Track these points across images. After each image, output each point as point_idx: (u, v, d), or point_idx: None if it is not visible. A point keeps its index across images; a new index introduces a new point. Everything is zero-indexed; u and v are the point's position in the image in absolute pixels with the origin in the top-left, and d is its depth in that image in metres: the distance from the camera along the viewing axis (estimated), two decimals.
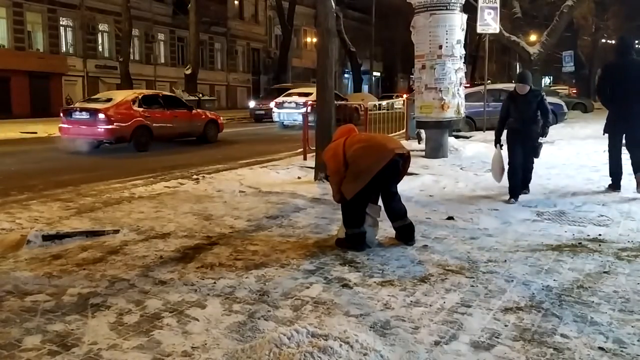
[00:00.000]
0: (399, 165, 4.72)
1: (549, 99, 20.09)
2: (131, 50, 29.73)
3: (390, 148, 4.64)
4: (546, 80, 52.91)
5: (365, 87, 45.41)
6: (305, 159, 9.77)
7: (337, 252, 4.54)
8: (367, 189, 4.59)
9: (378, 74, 53.18)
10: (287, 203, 6.39)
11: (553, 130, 15.77)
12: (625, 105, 6.67)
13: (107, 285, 3.76)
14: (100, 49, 31.19)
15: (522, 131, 6.53)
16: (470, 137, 13.66)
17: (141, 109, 13.33)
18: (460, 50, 9.67)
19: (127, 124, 12.85)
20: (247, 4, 41.57)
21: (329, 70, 7.33)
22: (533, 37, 26.18)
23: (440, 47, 9.50)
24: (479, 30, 14.81)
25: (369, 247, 4.63)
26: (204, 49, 37.03)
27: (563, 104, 18.36)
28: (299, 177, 8.12)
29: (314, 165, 7.99)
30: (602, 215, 5.73)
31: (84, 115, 12.99)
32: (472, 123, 15.93)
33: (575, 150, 10.56)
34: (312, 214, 5.90)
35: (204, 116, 15.52)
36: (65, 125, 13.35)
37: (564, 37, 27.92)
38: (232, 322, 3.19)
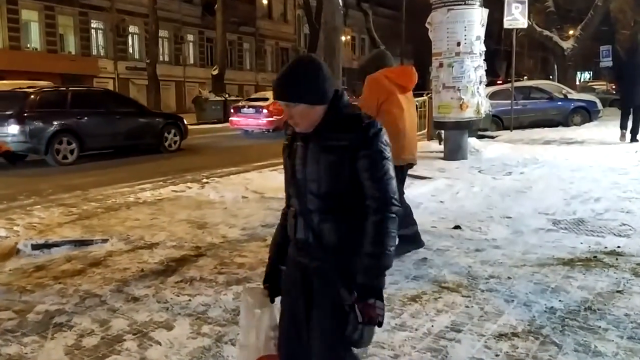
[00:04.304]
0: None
1: (583, 96, 18.99)
2: (160, 52, 30.01)
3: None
4: (585, 76, 51.23)
5: None
6: None
7: None
8: None
9: None
10: None
11: (583, 129, 15.07)
12: (633, 88, 11.02)
13: (76, 302, 3.58)
14: (131, 51, 31.61)
15: (305, 256, 1.85)
16: (496, 137, 13.12)
17: None
18: (480, 47, 9.19)
19: (280, 117, 15.53)
20: (275, 4, 41.51)
21: (336, 69, 7.05)
22: (569, 32, 25.20)
23: (459, 44, 9.04)
24: (506, 25, 14.22)
25: None
26: (233, 49, 37.13)
27: (597, 100, 17.45)
28: None
29: None
30: (624, 224, 5.28)
31: (251, 111, 16.76)
32: (500, 122, 15.38)
33: (605, 151, 9.97)
34: None
35: None
36: (235, 119, 17.32)
37: (602, 32, 26.81)
38: (196, 346, 2.97)
